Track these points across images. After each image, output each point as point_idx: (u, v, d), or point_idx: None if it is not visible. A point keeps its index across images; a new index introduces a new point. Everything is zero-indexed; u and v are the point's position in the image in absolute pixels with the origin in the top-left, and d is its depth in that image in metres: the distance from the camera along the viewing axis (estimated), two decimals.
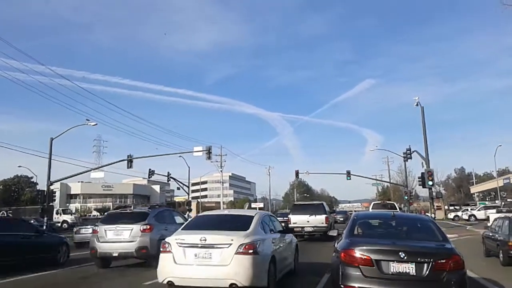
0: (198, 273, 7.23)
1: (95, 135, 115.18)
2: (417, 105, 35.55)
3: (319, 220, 21.47)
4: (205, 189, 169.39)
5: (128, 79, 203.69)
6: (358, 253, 6.36)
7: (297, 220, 21.94)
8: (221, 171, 79.37)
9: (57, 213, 52.43)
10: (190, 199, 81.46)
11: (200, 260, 7.31)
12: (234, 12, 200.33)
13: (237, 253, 7.24)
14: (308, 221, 21.54)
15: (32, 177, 66.87)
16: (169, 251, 7.55)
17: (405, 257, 6.14)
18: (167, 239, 7.80)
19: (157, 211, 13.66)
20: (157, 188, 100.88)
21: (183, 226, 8.92)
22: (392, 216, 8.06)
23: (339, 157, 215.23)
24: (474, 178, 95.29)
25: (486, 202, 67.72)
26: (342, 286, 6.38)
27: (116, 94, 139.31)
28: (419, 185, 34.75)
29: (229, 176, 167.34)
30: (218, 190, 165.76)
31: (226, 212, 10.95)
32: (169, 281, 7.41)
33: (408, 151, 41.64)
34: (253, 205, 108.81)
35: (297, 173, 60.11)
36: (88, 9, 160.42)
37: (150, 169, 52.45)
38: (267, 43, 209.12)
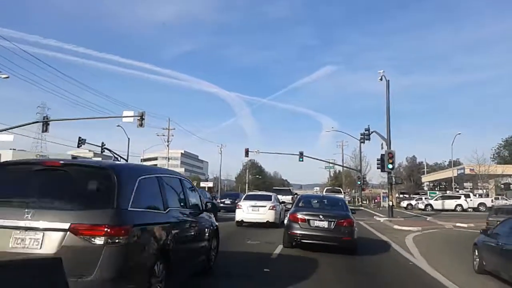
0: (253, 217, 19.96)
1: (39, 102, 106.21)
2: (381, 79, 31.24)
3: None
4: (155, 166, 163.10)
5: (83, 47, 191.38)
6: (299, 215, 12.16)
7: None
8: (167, 145, 72.99)
9: None
10: None
11: (253, 211, 20.04)
12: None
13: (269, 209, 19.98)
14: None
15: None
16: (241, 208, 20.39)
17: (322, 218, 11.90)
18: (239, 203, 21.30)
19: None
20: (94, 158, 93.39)
21: (243, 197, 22.82)
22: (322, 197, 16.65)
23: (295, 141, 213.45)
24: (425, 167, 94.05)
25: (437, 192, 65.59)
26: (289, 232, 12.15)
27: (69, 62, 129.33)
28: (378, 168, 30.54)
29: (181, 153, 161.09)
30: (170, 167, 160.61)
31: (260, 192, 26.97)
32: (241, 220, 20.15)
33: (367, 131, 37.26)
34: (202, 184, 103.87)
35: (246, 152, 55.17)
36: None
37: (80, 137, 46.09)
38: (230, 21, 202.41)
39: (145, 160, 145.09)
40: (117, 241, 4.59)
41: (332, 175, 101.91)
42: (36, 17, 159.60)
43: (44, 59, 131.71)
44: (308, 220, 11.92)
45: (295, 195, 33.79)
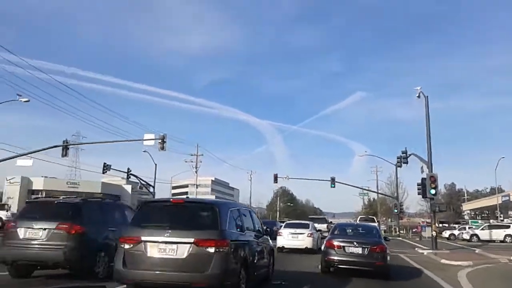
0: (293, 243, 21.62)
1: (74, 131, 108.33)
2: (418, 96, 28.58)
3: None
4: (186, 193, 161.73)
5: (118, 78, 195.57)
6: (335, 242, 12.89)
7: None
8: (195, 171, 71.36)
9: None
10: None
11: (293, 238, 21.77)
12: (229, 18, 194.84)
13: (307, 236, 21.78)
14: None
15: None
16: (282, 235, 22.11)
17: (357, 245, 12.61)
18: (280, 230, 23.03)
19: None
20: (128, 188, 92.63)
21: (284, 225, 24.72)
22: (356, 225, 17.41)
23: (326, 168, 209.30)
24: (465, 195, 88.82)
25: (479, 221, 60.89)
26: (326, 258, 12.93)
27: (102, 92, 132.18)
28: (418, 194, 27.54)
29: (212, 180, 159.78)
30: (200, 194, 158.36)
31: (298, 221, 28.30)
32: (282, 246, 21.54)
33: (404, 154, 34.22)
34: None
35: (275, 177, 52.74)
36: (83, 5, 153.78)
37: (105, 163, 45.02)
38: (259, 51, 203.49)
39: (175, 187, 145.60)
40: (221, 250, 7.18)
41: (366, 202, 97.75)
42: (74, 51, 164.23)
43: (82, 90, 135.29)
44: (344, 246, 12.75)
45: (330, 224, 38.75)
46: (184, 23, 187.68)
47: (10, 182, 77.75)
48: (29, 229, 9.82)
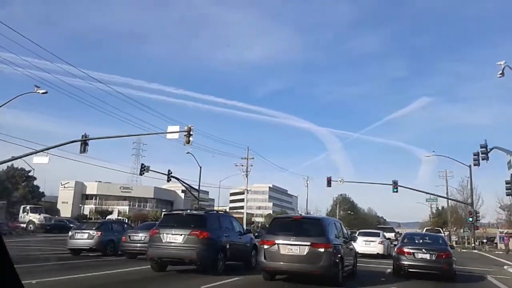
0: (365, 249, 23.34)
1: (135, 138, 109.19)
2: (502, 74, 22.37)
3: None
4: (242, 200, 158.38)
5: (181, 89, 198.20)
6: (405, 249, 14.32)
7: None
8: (246, 175, 66.91)
9: (23, 211, 42.43)
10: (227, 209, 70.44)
11: (366, 245, 23.56)
12: (286, 27, 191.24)
13: (378, 243, 24.30)
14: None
15: (30, 171, 58.23)
16: (356, 242, 18.35)
17: (425, 251, 13.99)
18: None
19: None
20: (181, 193, 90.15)
21: (357, 233, 25.61)
22: (423, 234, 19.92)
23: (389, 175, 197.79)
24: None
25: None
26: (397, 263, 14.38)
27: (168, 104, 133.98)
28: (507, 195, 21.20)
29: (269, 187, 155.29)
30: (257, 201, 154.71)
31: (369, 230, 30.64)
32: (356, 251, 16.34)
33: (484, 149, 27.34)
34: None
35: (329, 181, 47.26)
36: (146, 23, 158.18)
37: (143, 164, 41.74)
38: (318, 59, 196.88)
39: (233, 193, 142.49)
40: (328, 250, 10.98)
41: (434, 211, 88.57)
42: (141, 66, 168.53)
43: (147, 101, 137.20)
44: (413, 253, 14.15)
45: (397, 233, 45.14)
46: (242, 35, 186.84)
47: (64, 187, 77.62)
48: (169, 234, 12.78)
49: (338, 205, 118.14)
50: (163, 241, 12.73)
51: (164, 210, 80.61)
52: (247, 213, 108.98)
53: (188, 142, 25.11)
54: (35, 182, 60.51)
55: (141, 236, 17.61)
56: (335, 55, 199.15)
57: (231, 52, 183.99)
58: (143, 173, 41.01)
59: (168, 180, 44.87)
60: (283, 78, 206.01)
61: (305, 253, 10.95)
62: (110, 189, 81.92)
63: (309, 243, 10.95)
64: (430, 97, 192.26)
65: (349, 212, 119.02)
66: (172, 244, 12.60)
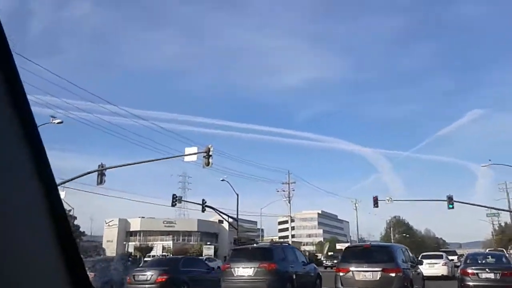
0: (430, 271, 22.17)
1: (181, 171, 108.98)
2: None
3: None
4: (293, 228, 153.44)
5: (224, 120, 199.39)
6: (469, 270, 14.51)
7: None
8: (288, 201, 63.65)
9: None
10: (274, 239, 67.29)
11: (430, 267, 22.53)
12: (330, 48, 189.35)
13: (442, 265, 24.76)
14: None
15: (70, 210, 57.68)
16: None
17: (489, 271, 14.09)
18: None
19: None
20: (225, 225, 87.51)
21: (420, 256, 25.79)
22: (486, 254, 19.29)
23: (444, 193, 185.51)
24: None
25: None
26: (462, 284, 14.56)
27: (210, 134, 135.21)
28: None
29: (318, 213, 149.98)
30: (307, 229, 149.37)
31: (432, 253, 30.61)
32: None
33: None
34: (338, 246, 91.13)
35: (375, 200, 43.20)
36: (184, 57, 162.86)
37: (174, 195, 39.69)
38: (361, 78, 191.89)
39: (281, 222, 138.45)
40: (398, 274, 11.87)
41: (496, 228, 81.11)
42: (186, 100, 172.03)
43: (192, 135, 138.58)
44: (477, 273, 14.25)
45: (460, 256, 42.52)
46: (282, 61, 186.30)
47: (109, 225, 77.03)
48: (240, 268, 13.73)
49: (391, 228, 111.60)
50: (235, 275, 13.59)
51: (208, 243, 78.32)
52: (295, 242, 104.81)
53: (208, 164, 22.66)
54: (76, 222, 59.79)
55: (148, 275, 15.11)
56: (381, 73, 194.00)
57: (274, 79, 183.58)
58: (175, 204, 38.97)
59: (203, 211, 42.48)
60: (328, 101, 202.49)
61: (378, 278, 12.03)
62: (153, 225, 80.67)
63: (380, 269, 12.03)
64: (482, 109, 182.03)
65: (404, 235, 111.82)
66: (244, 278, 13.44)
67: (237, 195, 50.03)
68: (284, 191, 63.45)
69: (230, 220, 49.25)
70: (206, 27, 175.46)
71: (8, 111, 0.68)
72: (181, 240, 79.89)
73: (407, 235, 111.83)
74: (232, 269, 13.71)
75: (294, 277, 13.96)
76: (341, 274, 12.67)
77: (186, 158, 23.38)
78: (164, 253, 67.49)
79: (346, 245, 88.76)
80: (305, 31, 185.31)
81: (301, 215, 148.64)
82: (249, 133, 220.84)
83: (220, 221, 41.56)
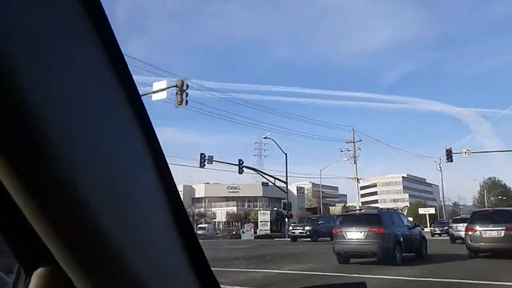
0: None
1: (256, 138, 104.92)
2: None
3: None
4: (375, 193, 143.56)
5: (307, 88, 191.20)
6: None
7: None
8: (354, 161, 55.59)
9: None
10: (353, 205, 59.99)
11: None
12: (408, 4, 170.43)
13: None
14: None
15: None
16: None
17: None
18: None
19: None
20: (294, 190, 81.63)
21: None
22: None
23: None
24: None
25: None
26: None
27: (296, 103, 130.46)
28: None
29: (403, 177, 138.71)
30: (391, 193, 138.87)
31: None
32: None
33: None
34: (420, 211, 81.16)
35: (449, 154, 34.43)
36: (263, 26, 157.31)
37: (202, 154, 34.36)
38: (448, 31, 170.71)
39: (363, 187, 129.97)
40: None
41: None
42: (267, 72, 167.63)
43: (274, 104, 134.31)
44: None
45: None
46: (359, 24, 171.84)
47: None
48: (351, 232, 14.75)
49: (485, 191, 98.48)
50: (346, 238, 14.82)
51: (275, 208, 73.43)
52: (372, 207, 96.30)
53: (181, 102, 16.71)
54: None
55: None
56: (469, 24, 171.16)
57: (351, 43, 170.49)
58: (204, 165, 33.63)
59: (240, 172, 36.86)
60: (412, 61, 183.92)
61: (502, 235, 14.74)
62: (218, 191, 77.36)
63: (504, 228, 14.72)
64: None
65: (501, 197, 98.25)
66: (355, 240, 14.57)
67: (286, 154, 43.81)
68: (349, 150, 55.40)
69: (278, 182, 43.05)
70: None
71: (127, 110, 0.69)
72: (246, 206, 75.68)
73: (504, 198, 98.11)
74: (344, 233, 14.94)
75: (402, 240, 14.76)
76: (469, 233, 15.62)
77: (154, 97, 17.57)
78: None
79: (430, 209, 78.96)
80: None
81: (384, 179, 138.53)
82: (332, 99, 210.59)
83: (265, 184, 36.09)
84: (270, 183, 38.67)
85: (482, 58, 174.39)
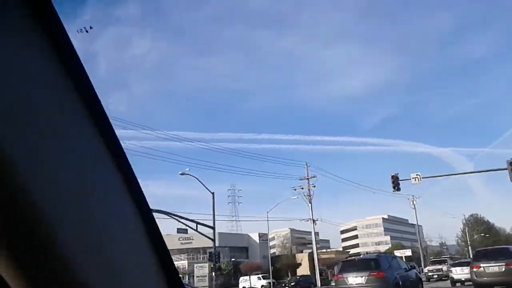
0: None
1: (229, 185, 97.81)
2: None
3: None
4: (356, 236, 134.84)
5: (289, 135, 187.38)
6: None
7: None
8: (309, 200, 48.03)
9: None
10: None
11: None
12: (382, 50, 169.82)
13: None
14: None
15: None
16: None
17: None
18: None
19: None
20: (255, 237, 73.32)
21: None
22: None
23: None
24: None
25: None
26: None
27: (276, 149, 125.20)
28: None
29: (383, 218, 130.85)
30: (372, 236, 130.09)
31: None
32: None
33: None
34: (396, 253, 73.18)
35: (395, 181, 27.33)
36: (242, 78, 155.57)
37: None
38: (423, 76, 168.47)
39: (344, 231, 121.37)
40: None
41: None
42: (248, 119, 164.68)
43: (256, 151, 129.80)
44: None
45: None
46: (338, 68, 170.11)
47: None
48: (353, 277, 15.26)
49: (467, 228, 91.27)
50: (348, 283, 15.22)
51: (233, 259, 64.96)
52: (354, 254, 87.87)
53: None
54: None
55: None
56: (441, 68, 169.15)
57: (332, 88, 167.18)
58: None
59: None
60: (390, 105, 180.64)
61: (503, 270, 16.72)
62: (169, 242, 68.28)
63: (504, 263, 16.73)
64: None
65: (483, 234, 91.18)
66: (355, 285, 14.98)
67: (213, 194, 36.29)
68: (302, 188, 48.04)
69: (205, 228, 35.28)
70: (257, 46, 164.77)
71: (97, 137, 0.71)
72: (201, 258, 66.80)
73: (487, 235, 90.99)
74: (345, 278, 15.47)
75: (400, 282, 15.08)
76: (474, 269, 17.73)
77: None
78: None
79: (406, 251, 71.10)
80: (358, 38, 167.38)
81: (364, 222, 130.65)
82: (313, 144, 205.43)
83: (182, 230, 29.39)
84: (192, 229, 31.44)
85: (456, 100, 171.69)
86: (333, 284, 18.23)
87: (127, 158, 0.78)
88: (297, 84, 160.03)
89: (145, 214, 0.82)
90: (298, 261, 70.79)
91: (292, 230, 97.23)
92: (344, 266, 17.10)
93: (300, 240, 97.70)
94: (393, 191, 27.12)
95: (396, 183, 27.13)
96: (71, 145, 0.63)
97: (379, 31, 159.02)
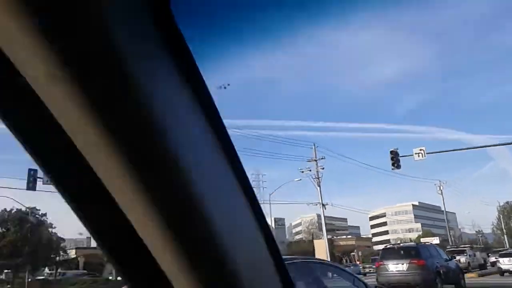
0: None
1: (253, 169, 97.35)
2: None
3: None
4: (385, 223, 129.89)
5: (321, 122, 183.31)
6: None
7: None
8: (318, 182, 44.55)
9: None
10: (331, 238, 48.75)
11: None
12: (418, 36, 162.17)
13: None
14: None
15: (44, 214, 46.11)
16: None
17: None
18: None
19: None
20: (270, 221, 70.64)
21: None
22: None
23: None
24: None
25: None
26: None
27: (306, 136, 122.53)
28: None
29: (413, 205, 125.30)
30: (401, 223, 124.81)
31: None
32: None
33: None
34: (423, 240, 69.06)
35: (394, 157, 24.03)
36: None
37: None
38: (458, 62, 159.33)
39: (373, 218, 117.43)
40: None
41: None
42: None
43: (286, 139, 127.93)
44: None
45: None
46: (371, 55, 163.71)
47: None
48: (394, 264, 15.70)
49: (501, 216, 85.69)
50: (389, 270, 15.80)
51: None
52: (381, 242, 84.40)
53: None
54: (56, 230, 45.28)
55: None
56: (477, 54, 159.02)
57: (365, 75, 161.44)
58: None
59: None
60: (424, 91, 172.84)
61: None
62: None
63: None
64: None
65: None
66: (398, 272, 15.46)
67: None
68: (310, 170, 44.57)
69: None
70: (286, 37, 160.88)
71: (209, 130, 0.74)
72: None
73: None
74: (386, 265, 15.98)
75: (441, 271, 15.38)
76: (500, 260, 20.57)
77: None
78: None
79: (434, 239, 66.98)
80: (392, 22, 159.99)
81: (393, 209, 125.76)
82: (347, 132, 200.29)
83: None
84: None
85: (491, 87, 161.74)
86: (374, 271, 19.14)
87: (241, 163, 0.80)
88: (333, 72, 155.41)
89: (258, 211, 0.83)
90: (316, 247, 68.14)
91: (319, 216, 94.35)
92: (384, 253, 17.59)
93: (328, 226, 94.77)
94: (392, 168, 23.78)
95: (395, 159, 23.77)
96: (204, 150, 0.69)
97: (417, 17, 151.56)
